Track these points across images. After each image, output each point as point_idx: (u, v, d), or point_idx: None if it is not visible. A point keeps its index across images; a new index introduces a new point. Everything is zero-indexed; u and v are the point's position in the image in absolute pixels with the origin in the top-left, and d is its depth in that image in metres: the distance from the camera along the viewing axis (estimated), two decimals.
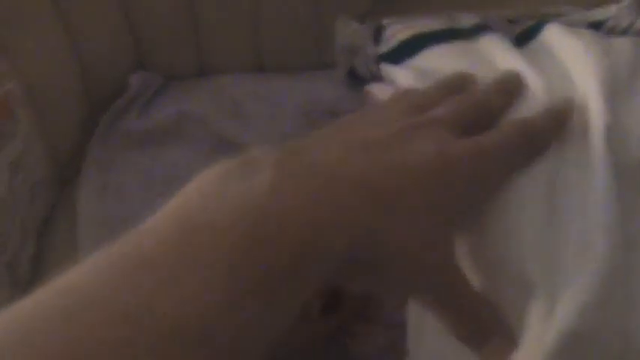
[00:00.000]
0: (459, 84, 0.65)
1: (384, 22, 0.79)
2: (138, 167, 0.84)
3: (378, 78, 0.76)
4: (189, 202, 0.46)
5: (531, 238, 0.57)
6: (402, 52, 0.74)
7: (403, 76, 0.72)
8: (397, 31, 0.77)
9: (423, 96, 0.62)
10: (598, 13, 0.73)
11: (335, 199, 0.48)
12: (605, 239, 0.55)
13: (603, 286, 0.54)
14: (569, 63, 0.66)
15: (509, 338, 0.55)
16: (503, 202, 0.57)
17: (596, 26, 0.72)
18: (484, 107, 0.61)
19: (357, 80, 0.81)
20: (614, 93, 0.61)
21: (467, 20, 0.76)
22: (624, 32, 0.72)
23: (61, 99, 0.80)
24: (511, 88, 0.64)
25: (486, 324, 0.56)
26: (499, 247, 0.57)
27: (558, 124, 0.60)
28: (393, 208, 0.50)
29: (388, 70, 0.75)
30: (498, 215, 0.57)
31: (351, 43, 0.81)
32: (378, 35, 0.78)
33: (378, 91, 0.76)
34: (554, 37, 0.69)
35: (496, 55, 0.70)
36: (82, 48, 0.81)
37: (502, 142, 0.57)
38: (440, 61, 0.72)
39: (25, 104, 0.74)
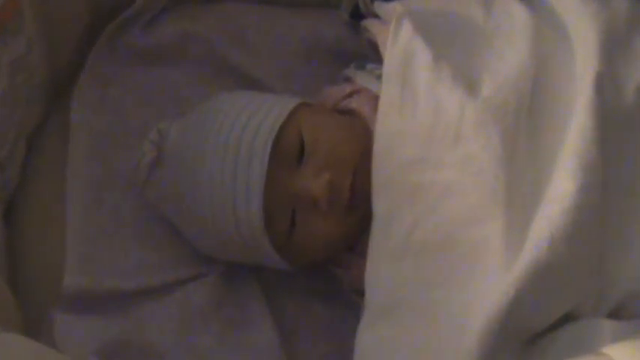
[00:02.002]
0: None
1: None
2: (138, 84, 0.84)
3: (375, 15, 0.77)
4: None
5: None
6: None
7: (389, 11, 0.73)
8: None
9: None
10: None
11: None
12: (577, 179, 0.59)
13: (573, 222, 0.58)
14: (567, 15, 0.69)
15: None
16: None
17: None
18: None
19: (360, 20, 0.81)
20: (612, 44, 0.65)
21: None
22: None
23: (67, 4, 0.79)
24: None
25: None
26: None
27: None
28: None
29: (378, 5, 0.76)
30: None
31: None
32: None
33: (371, 27, 0.77)
34: None
35: None
36: None
37: None
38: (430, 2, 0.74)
39: (32, 5, 0.73)
